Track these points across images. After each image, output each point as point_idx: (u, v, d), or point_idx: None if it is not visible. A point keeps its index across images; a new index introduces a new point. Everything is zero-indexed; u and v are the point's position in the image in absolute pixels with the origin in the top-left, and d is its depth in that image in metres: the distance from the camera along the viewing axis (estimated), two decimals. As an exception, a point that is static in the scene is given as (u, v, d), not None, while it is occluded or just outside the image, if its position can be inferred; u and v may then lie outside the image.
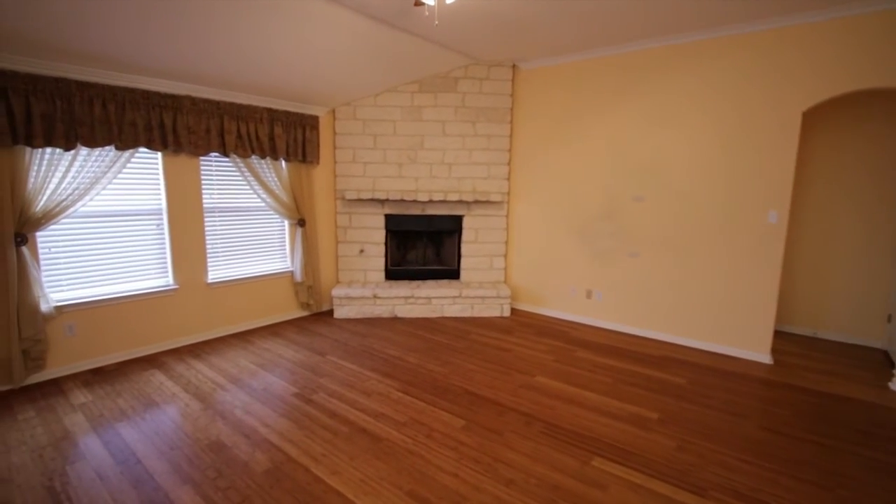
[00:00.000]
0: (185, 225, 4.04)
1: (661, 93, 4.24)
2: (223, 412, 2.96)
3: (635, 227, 4.52)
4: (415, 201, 5.21)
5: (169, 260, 3.97)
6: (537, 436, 2.72)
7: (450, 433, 2.72)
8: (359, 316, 5.05)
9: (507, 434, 2.73)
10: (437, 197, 5.10)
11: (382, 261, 5.37)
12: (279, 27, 3.38)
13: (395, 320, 4.98)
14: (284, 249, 4.94)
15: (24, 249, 3.14)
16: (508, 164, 5.31)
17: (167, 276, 3.99)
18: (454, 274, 5.50)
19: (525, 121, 5.21)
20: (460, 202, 5.28)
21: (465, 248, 5.42)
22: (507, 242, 5.47)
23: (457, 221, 5.37)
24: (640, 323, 4.59)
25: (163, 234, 3.94)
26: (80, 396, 3.13)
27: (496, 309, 5.18)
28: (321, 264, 5.19)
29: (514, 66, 5.16)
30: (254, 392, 3.24)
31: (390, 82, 4.94)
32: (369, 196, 5.07)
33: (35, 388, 3.24)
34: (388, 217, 5.30)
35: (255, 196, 4.52)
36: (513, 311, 5.38)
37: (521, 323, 4.94)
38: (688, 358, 4.00)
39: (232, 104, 4.15)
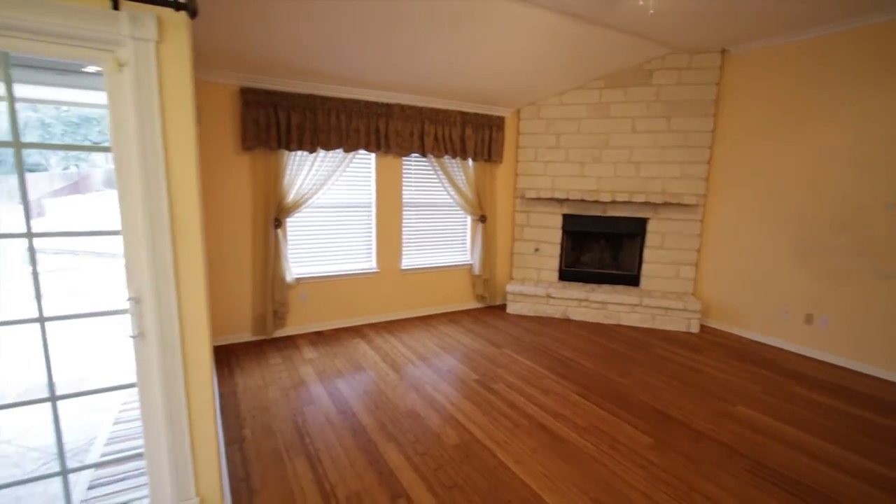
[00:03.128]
0: (388, 217, 4.62)
1: (946, 70, 3.27)
2: (415, 385, 3.31)
3: (888, 242, 3.59)
4: (596, 202, 5.02)
5: (374, 246, 4.60)
6: (742, 473, 2.39)
7: (636, 449, 2.58)
8: (530, 313, 5.11)
9: (704, 464, 2.46)
10: (620, 198, 4.83)
11: (556, 261, 5.32)
12: (478, 34, 3.58)
13: (566, 322, 4.89)
14: (465, 243, 5.27)
15: (279, 232, 3.99)
16: (708, 162, 4.73)
17: (371, 261, 4.63)
18: (633, 280, 5.15)
19: (733, 113, 4.56)
20: (647, 204, 4.90)
21: (647, 254, 5.03)
22: (699, 250, 4.89)
23: (640, 224, 5.01)
24: (884, 362, 3.64)
25: (371, 224, 4.58)
26: (309, 353, 3.85)
27: (682, 323, 4.68)
28: (497, 260, 5.39)
29: (723, 51, 4.56)
30: (439, 372, 3.55)
31: (578, 80, 4.83)
32: (549, 195, 5.06)
33: (279, 341, 4.10)
34: (565, 217, 5.22)
35: (444, 193, 4.92)
36: (702, 327, 4.80)
37: (713, 342, 4.38)
38: (967, 418, 3.04)
39: (431, 109, 4.57)
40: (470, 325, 4.74)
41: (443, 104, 4.67)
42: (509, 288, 5.13)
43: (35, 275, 1.61)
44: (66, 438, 2.72)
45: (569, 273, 5.33)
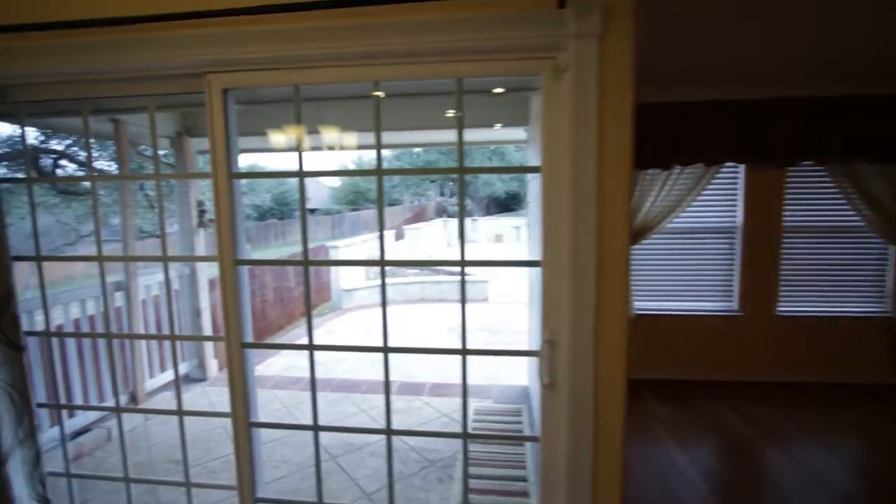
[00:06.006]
0: (759, 245, 3.57)
1: None
2: None
3: None
4: None
5: (736, 282, 3.62)
6: None
7: None
8: None
9: None
10: None
11: None
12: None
13: None
14: (882, 285, 3.61)
15: (622, 260, 3.56)
16: None
17: (732, 300, 3.65)
18: None
19: None
20: None
21: None
22: None
23: None
24: None
25: (733, 253, 3.63)
26: (658, 408, 3.20)
27: None
28: (947, 314, 3.48)
29: None
30: (885, 491, 2.33)
31: None
32: None
33: (615, 384, 3.63)
34: None
35: (849, 213, 3.48)
36: None
37: None
38: None
39: (831, 98, 3.30)
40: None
41: (846, 89, 3.31)
42: (982, 362, 3.19)
43: (463, 305, 1.58)
44: (437, 445, 2.95)
45: None
